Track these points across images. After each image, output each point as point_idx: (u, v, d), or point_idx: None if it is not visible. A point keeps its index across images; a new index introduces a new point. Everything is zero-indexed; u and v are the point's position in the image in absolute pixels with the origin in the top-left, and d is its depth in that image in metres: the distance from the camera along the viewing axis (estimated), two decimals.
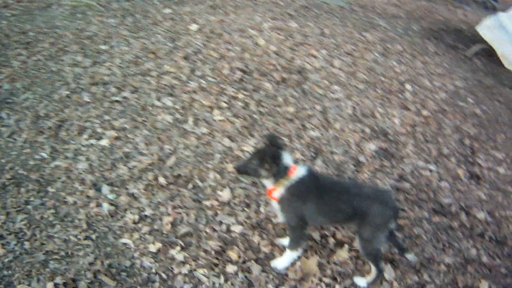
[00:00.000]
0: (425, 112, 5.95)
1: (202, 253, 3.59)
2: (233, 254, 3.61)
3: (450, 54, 8.74)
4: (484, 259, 4.08)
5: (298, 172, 3.28)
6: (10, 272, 3.31)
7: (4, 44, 6.13)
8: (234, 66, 5.95)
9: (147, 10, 7.59)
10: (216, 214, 3.94)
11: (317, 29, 7.98)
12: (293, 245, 3.55)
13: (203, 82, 5.57)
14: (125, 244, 3.61)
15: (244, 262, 3.59)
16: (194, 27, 7.02)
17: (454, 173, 5.08)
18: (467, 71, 8.02)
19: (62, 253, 3.49)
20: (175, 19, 7.33)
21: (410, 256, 3.72)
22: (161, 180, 4.15)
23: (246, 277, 3.48)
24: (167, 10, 7.68)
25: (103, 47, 6.21)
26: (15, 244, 3.51)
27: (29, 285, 3.23)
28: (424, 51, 8.34)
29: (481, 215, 4.55)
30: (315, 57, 6.70)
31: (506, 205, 4.84)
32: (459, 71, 7.85)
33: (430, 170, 5.00)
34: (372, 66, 6.90)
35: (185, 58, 6.05)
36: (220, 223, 3.87)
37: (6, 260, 3.38)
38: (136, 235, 3.68)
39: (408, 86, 6.51)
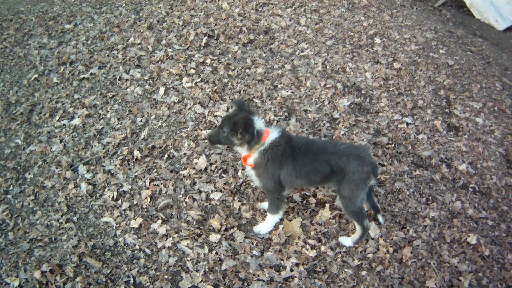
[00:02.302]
0: (396, 65, 5.94)
1: (184, 224, 3.61)
2: (215, 223, 3.62)
3: (418, 6, 8.65)
4: (470, 211, 4.09)
5: (270, 135, 3.23)
6: None
7: None
8: (200, 32, 5.93)
9: None
10: (194, 183, 3.96)
11: None
12: (273, 209, 3.54)
13: (170, 50, 5.56)
14: (106, 223, 3.66)
15: (226, 229, 3.61)
16: None
17: (432, 125, 5.08)
18: (436, 22, 7.96)
19: (46, 239, 3.54)
20: None
21: (380, 218, 3.70)
22: (136, 153, 4.17)
23: (230, 245, 3.50)
24: None
25: (67, 26, 6.19)
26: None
27: (16, 276, 3.28)
28: (391, 4, 8.25)
29: (462, 166, 4.55)
30: (280, 16, 6.67)
31: (488, 156, 4.84)
32: (429, 22, 7.78)
33: (407, 123, 4.99)
34: (339, 21, 6.85)
35: (150, 28, 6.03)
36: (199, 191, 3.89)
37: None
38: (116, 213, 3.72)
39: (377, 40, 6.48)
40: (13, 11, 6.71)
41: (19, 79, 5.21)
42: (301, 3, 7.21)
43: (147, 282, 3.25)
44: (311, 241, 3.59)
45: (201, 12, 6.48)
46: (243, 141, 3.18)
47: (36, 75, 5.22)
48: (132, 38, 5.81)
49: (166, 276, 3.29)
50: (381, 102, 5.22)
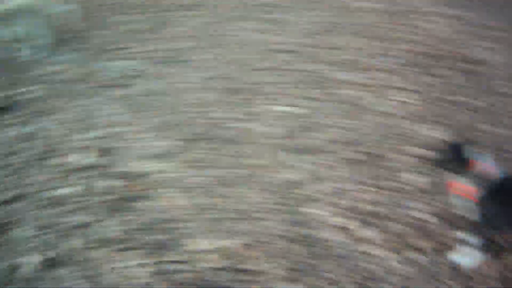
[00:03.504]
0: None
1: (385, 234, 3.56)
2: (412, 240, 3.53)
3: None
4: None
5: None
6: None
7: None
8: (418, 50, 5.92)
9: None
10: (404, 197, 3.90)
11: None
12: None
13: (388, 62, 5.63)
14: (312, 213, 3.69)
15: (419, 249, 3.48)
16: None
17: None
18: None
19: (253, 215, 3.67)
20: None
21: None
22: (351, 154, 4.24)
23: (417, 263, 3.38)
24: None
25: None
26: None
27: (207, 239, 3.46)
28: None
29: None
30: None
31: None
32: None
33: None
34: None
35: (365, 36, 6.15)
36: (407, 207, 3.82)
37: None
38: (330, 208, 3.74)
39: None
40: None
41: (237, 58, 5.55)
42: None
43: (341, 280, 3.24)
44: None
45: (421, 30, 6.45)
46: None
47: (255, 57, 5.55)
48: (352, 43, 5.95)
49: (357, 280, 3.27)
50: None
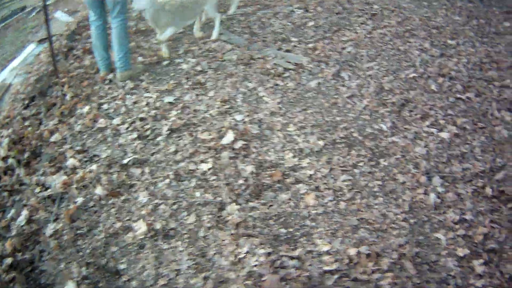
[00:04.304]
0: None
1: (498, 274, 3.48)
2: None
3: None
4: None
5: None
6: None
7: None
8: None
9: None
10: None
11: None
12: None
13: None
14: (438, 239, 3.67)
15: None
16: None
17: None
18: None
19: (376, 225, 3.67)
20: None
21: None
22: (488, 190, 4.12)
23: None
24: (507, 24, 7.61)
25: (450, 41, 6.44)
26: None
27: (329, 242, 3.46)
28: None
29: None
30: None
31: None
32: None
33: None
34: None
35: None
36: None
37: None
38: (450, 234, 3.72)
39: None
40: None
41: (396, 71, 5.58)
42: None
43: None
44: None
45: None
46: None
47: (414, 74, 5.56)
48: (508, 80, 5.79)
49: None
50: None
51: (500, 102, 5.36)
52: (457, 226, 3.81)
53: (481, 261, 3.54)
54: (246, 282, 3.13)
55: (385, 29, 6.48)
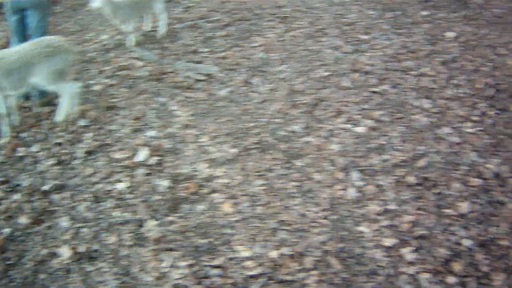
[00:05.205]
0: None
1: (431, 258, 3.54)
2: (456, 266, 3.50)
3: None
4: None
5: None
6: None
7: None
8: (488, 82, 5.72)
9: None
10: (452, 224, 3.84)
11: None
12: None
13: (458, 91, 5.47)
14: (361, 232, 3.69)
15: (464, 276, 3.46)
16: (450, 34, 6.91)
17: None
18: None
19: (296, 226, 3.69)
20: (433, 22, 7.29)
21: None
22: (410, 178, 4.16)
23: None
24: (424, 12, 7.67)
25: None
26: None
27: (250, 248, 3.49)
28: None
29: None
30: None
31: None
32: None
33: None
34: None
35: (443, 64, 6.00)
36: (454, 234, 3.77)
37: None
38: (374, 226, 3.74)
39: None
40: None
41: (308, 71, 5.55)
42: None
43: None
44: None
45: (489, 62, 6.25)
46: None
47: (326, 73, 5.52)
48: (425, 69, 5.85)
49: None
50: None
51: (418, 90, 5.45)
52: (380, 218, 3.84)
53: (411, 248, 3.59)
54: None
55: (296, 31, 6.51)
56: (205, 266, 3.36)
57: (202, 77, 5.65)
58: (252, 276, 3.29)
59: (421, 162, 4.38)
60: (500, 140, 4.82)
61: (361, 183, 4.12)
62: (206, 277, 3.28)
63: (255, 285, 3.23)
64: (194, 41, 6.68)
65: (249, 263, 3.38)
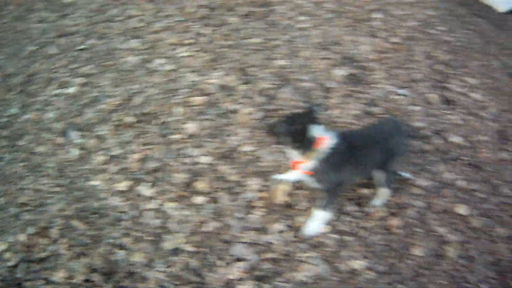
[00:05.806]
0: (394, 39, 5.73)
1: (170, 187, 3.66)
2: (201, 185, 3.65)
3: None
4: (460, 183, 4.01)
5: (328, 141, 3.03)
6: None
7: None
8: (199, 4, 5.93)
9: None
10: (183, 147, 3.98)
11: None
12: (329, 206, 3.37)
13: (169, 21, 5.59)
14: (93, 186, 3.71)
15: (212, 192, 3.64)
16: None
17: (427, 97, 4.88)
18: (438, 1, 7.67)
19: (34, 203, 3.62)
20: None
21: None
22: (129, 119, 4.22)
23: (214, 207, 3.54)
24: None
25: (67, 0, 6.30)
26: None
27: (3, 240, 3.38)
28: None
29: (455, 139, 4.43)
30: None
31: (480, 130, 4.64)
32: (430, 0, 7.52)
33: (402, 95, 4.82)
34: None
35: (151, 1, 6.06)
36: (188, 155, 3.91)
37: None
38: (104, 176, 3.78)
39: (377, 15, 6.24)
40: None
41: (17, 52, 5.30)
42: None
43: (130, 243, 3.32)
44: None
45: None
46: (295, 145, 3.07)
47: (34, 48, 5.32)
48: (132, 11, 5.86)
49: (149, 238, 3.35)
50: (376, 74, 5.06)
51: (125, 34, 5.47)
52: (108, 166, 3.87)
53: (147, 184, 3.69)
54: None
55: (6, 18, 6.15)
56: None
57: None
58: (12, 266, 3.23)
59: (137, 100, 4.44)
60: (219, 53, 5.06)
61: (81, 140, 4.10)
62: None
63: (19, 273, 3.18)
64: None
65: (7, 255, 3.29)
